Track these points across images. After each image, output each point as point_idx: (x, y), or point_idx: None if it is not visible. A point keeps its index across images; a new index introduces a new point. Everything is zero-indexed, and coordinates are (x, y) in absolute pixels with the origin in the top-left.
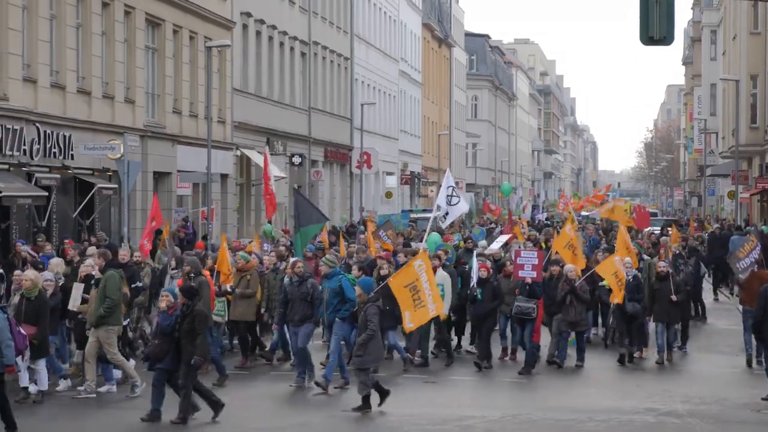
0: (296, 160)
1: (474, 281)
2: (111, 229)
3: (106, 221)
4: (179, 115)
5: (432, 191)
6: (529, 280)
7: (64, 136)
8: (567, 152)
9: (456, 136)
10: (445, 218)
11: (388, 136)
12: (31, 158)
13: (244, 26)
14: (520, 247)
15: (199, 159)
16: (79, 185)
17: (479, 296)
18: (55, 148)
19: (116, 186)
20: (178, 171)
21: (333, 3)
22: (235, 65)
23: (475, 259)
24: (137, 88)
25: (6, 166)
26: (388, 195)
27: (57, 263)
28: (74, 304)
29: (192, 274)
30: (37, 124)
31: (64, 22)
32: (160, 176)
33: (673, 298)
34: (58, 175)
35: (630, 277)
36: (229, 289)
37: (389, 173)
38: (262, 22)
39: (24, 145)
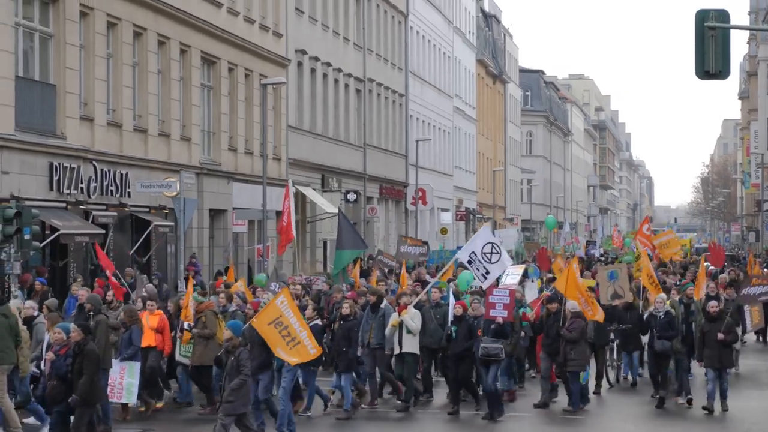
0: (351, 196)
1: (450, 319)
2: (167, 267)
3: (162, 259)
4: (235, 152)
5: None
6: (500, 320)
7: (121, 174)
8: (623, 187)
9: (511, 172)
10: (485, 277)
11: (442, 173)
12: (89, 196)
13: (299, 63)
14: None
15: (255, 196)
16: (136, 223)
17: (453, 334)
18: (111, 185)
19: (172, 223)
20: (234, 208)
21: (387, 40)
22: (290, 102)
23: (451, 296)
24: (193, 125)
25: (63, 204)
26: (443, 231)
27: (15, 304)
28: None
29: (91, 312)
30: (94, 162)
31: (120, 61)
32: (215, 213)
33: (720, 336)
34: (115, 213)
35: (661, 313)
36: (186, 327)
37: (444, 209)
38: (316, 59)
39: (81, 183)
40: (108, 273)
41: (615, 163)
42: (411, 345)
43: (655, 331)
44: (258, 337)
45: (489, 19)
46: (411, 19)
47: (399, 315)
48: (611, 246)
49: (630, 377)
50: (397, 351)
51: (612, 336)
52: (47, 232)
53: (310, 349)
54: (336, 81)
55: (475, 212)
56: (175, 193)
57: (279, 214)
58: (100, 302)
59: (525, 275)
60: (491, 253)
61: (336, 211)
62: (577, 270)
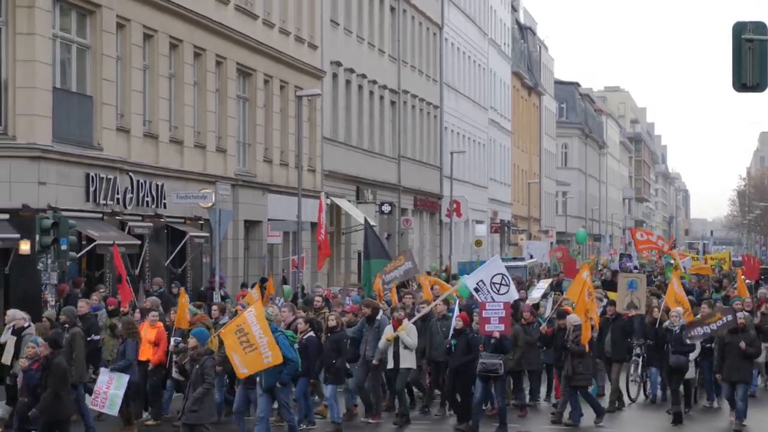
0: (386, 208)
1: (451, 332)
2: (202, 278)
3: (197, 269)
4: (270, 163)
5: (522, 239)
6: (496, 335)
7: (157, 185)
8: (658, 200)
9: (546, 185)
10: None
11: (477, 185)
12: (125, 207)
13: (334, 75)
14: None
15: (290, 207)
16: (171, 234)
17: (453, 348)
18: (147, 197)
19: (208, 234)
20: (269, 219)
21: (422, 52)
22: (325, 114)
23: (456, 309)
24: (229, 137)
25: (100, 215)
26: (478, 243)
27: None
28: (7, 357)
29: (66, 325)
30: (130, 174)
31: (156, 73)
32: (250, 225)
33: (742, 345)
34: (151, 224)
35: (677, 327)
36: (173, 342)
37: (479, 222)
38: (351, 71)
39: (117, 194)
40: (123, 278)
41: (651, 176)
42: (408, 360)
43: (669, 346)
44: None
45: (524, 31)
46: (446, 30)
47: (394, 330)
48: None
49: (659, 393)
50: (390, 365)
51: (638, 351)
52: (84, 242)
53: (265, 357)
54: (371, 93)
55: (509, 224)
56: (210, 204)
57: (314, 225)
58: (75, 315)
59: (558, 288)
60: (500, 284)
61: (371, 222)
62: (588, 278)
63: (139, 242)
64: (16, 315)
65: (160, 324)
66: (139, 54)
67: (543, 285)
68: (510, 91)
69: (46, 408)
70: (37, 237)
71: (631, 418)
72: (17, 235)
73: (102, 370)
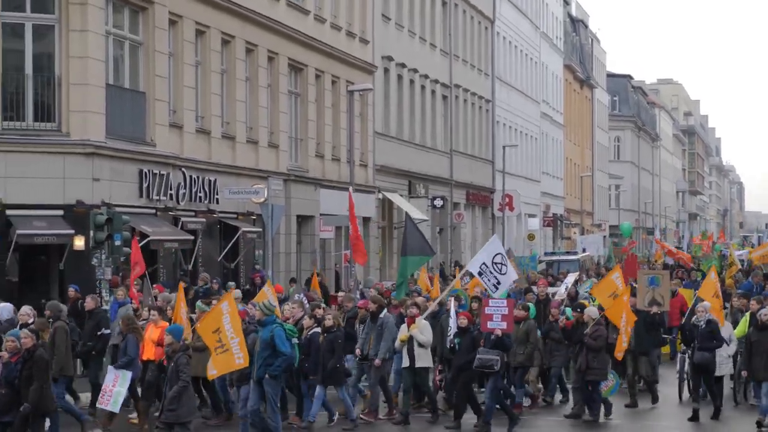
0: (438, 202)
1: (453, 330)
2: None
3: (250, 265)
4: (322, 158)
5: (575, 233)
6: (498, 332)
7: (209, 181)
8: (712, 193)
9: (599, 178)
10: (497, 288)
11: (530, 178)
12: (177, 203)
13: (386, 70)
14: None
15: (342, 202)
16: (224, 229)
17: (457, 346)
18: (200, 192)
19: (260, 230)
20: (321, 214)
21: (474, 46)
22: (376, 109)
23: (453, 307)
24: (280, 132)
25: (153, 211)
26: (531, 237)
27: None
28: None
29: (51, 319)
30: (183, 169)
31: (209, 68)
32: (303, 220)
33: None
34: (204, 219)
35: (702, 323)
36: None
37: (531, 215)
38: (403, 65)
39: (170, 189)
40: (133, 274)
41: (704, 169)
42: (424, 359)
43: (696, 342)
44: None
45: (576, 24)
46: (497, 24)
47: (408, 328)
48: (700, 252)
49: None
50: (406, 364)
51: (683, 348)
52: (137, 238)
53: (237, 358)
54: (422, 87)
55: (562, 218)
56: (262, 200)
57: (366, 220)
58: (60, 309)
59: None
60: (501, 264)
61: (423, 217)
62: (620, 278)
63: (192, 238)
64: (23, 310)
65: (165, 324)
66: (191, 50)
67: (570, 280)
68: (562, 85)
69: (35, 401)
70: (91, 233)
71: (651, 414)
72: (71, 231)
73: (109, 368)
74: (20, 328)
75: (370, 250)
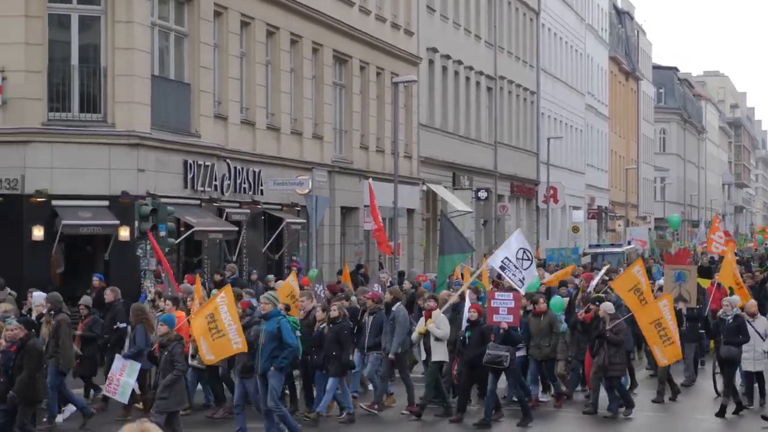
0: (482, 194)
1: (464, 323)
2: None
3: (299, 256)
4: (366, 150)
5: (619, 225)
6: (504, 325)
7: (254, 172)
8: (759, 186)
9: (644, 170)
10: (522, 283)
11: (574, 170)
12: (222, 194)
13: (431, 61)
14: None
15: (386, 194)
16: (268, 220)
17: (467, 340)
18: (245, 183)
19: (304, 221)
20: (365, 206)
21: (519, 37)
22: (421, 100)
23: (468, 300)
24: (325, 123)
25: (198, 202)
26: (575, 229)
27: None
28: None
29: (52, 312)
30: (228, 160)
31: (253, 60)
32: (347, 211)
33: None
34: (248, 210)
35: (730, 317)
36: None
37: (576, 207)
38: (448, 57)
39: (215, 180)
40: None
41: (751, 161)
42: (439, 353)
43: (722, 336)
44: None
45: (622, 16)
46: (543, 16)
47: (425, 322)
48: (744, 244)
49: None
50: (423, 357)
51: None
52: (182, 229)
53: (234, 343)
54: (467, 79)
55: (607, 210)
56: (307, 191)
57: (410, 212)
58: (60, 301)
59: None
60: (523, 259)
61: (467, 209)
62: (641, 272)
63: (236, 229)
64: (38, 300)
65: (182, 314)
66: (236, 41)
67: (602, 273)
68: (607, 77)
69: (21, 390)
70: (136, 223)
71: (674, 409)
72: (117, 222)
73: (117, 357)
74: (36, 319)
75: (414, 242)
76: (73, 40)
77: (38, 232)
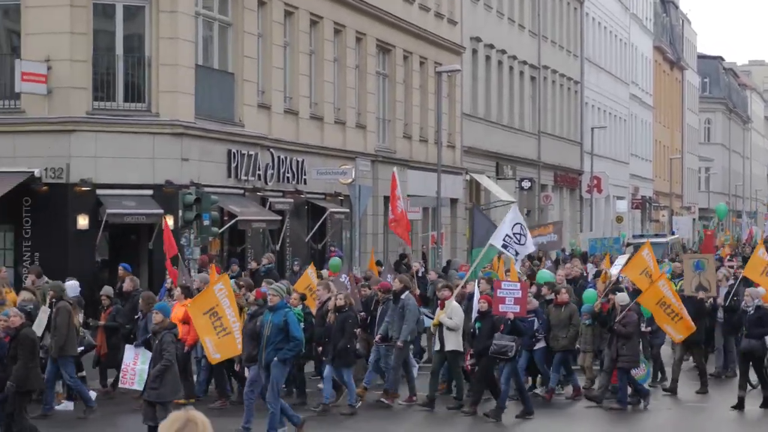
0: (525, 184)
1: (474, 314)
2: (351, 255)
3: (337, 245)
4: (409, 139)
5: (663, 216)
6: (510, 315)
7: (297, 161)
8: None
9: (688, 160)
10: (516, 258)
11: (618, 160)
12: (265, 183)
13: (474, 51)
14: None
15: (429, 183)
16: (312, 209)
17: (477, 331)
18: (288, 172)
19: (347, 210)
20: (408, 195)
21: (563, 27)
22: (464, 90)
23: (477, 290)
24: (368, 113)
25: (241, 191)
26: (619, 220)
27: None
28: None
29: (53, 300)
30: (271, 150)
31: (297, 49)
32: (390, 201)
33: None
34: (291, 200)
35: (751, 309)
36: None
37: (620, 197)
38: (491, 46)
39: (258, 170)
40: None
41: None
42: (453, 343)
43: (744, 328)
44: (249, 330)
45: (667, 5)
46: (587, 5)
47: (438, 311)
48: None
49: None
50: (437, 347)
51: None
52: (225, 218)
53: (238, 343)
54: (511, 68)
55: (651, 200)
56: (350, 180)
57: (453, 201)
58: (62, 289)
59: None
60: (520, 234)
61: (510, 198)
62: (650, 255)
63: (279, 218)
64: (70, 289)
65: (189, 301)
66: (279, 31)
67: (622, 261)
68: (652, 66)
69: (18, 379)
70: (180, 212)
71: (693, 400)
72: (161, 211)
73: (128, 347)
74: (49, 305)
75: (457, 232)
76: (118, 29)
77: (83, 221)
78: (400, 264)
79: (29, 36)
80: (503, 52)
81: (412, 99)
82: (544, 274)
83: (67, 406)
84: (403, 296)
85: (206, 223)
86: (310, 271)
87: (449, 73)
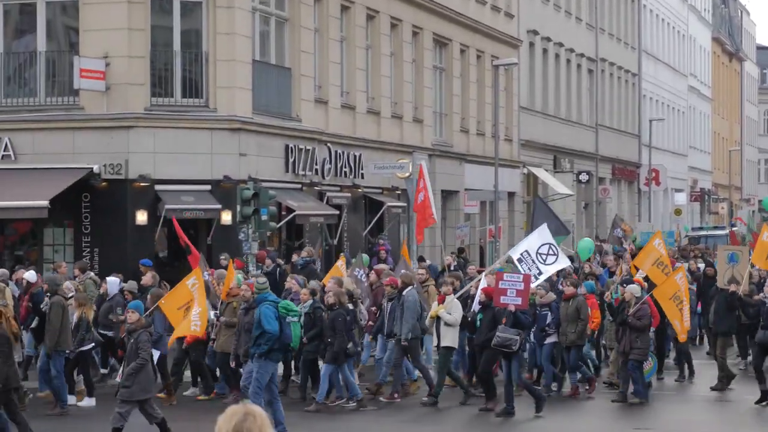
0: (583, 177)
1: (475, 306)
2: (398, 248)
3: (395, 239)
4: (466, 133)
5: (722, 208)
6: (512, 308)
7: (354, 156)
8: None
9: (747, 152)
10: (537, 278)
11: (676, 153)
12: (323, 177)
13: (531, 44)
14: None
15: (486, 177)
16: (369, 204)
17: (477, 323)
18: (345, 167)
19: (405, 204)
20: (466, 189)
21: (620, 19)
22: (521, 83)
23: (483, 283)
24: (425, 107)
25: (299, 186)
26: (678, 212)
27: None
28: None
29: (48, 294)
30: (328, 144)
31: (354, 44)
32: (447, 194)
33: None
34: (349, 194)
35: (767, 298)
36: (212, 316)
37: (678, 190)
38: (548, 39)
39: (316, 164)
40: (191, 248)
41: None
42: (449, 338)
43: (761, 320)
44: (246, 324)
45: None
46: None
47: (438, 305)
48: None
49: None
50: (435, 343)
51: None
52: (283, 212)
53: (193, 325)
54: (568, 61)
55: (710, 193)
56: (407, 175)
57: (511, 195)
58: (57, 284)
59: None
60: (547, 254)
61: (568, 192)
62: (661, 244)
63: (337, 212)
64: (66, 285)
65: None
66: (336, 26)
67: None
68: (710, 58)
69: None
70: (238, 207)
71: (713, 396)
72: (219, 206)
73: None
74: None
75: (515, 225)
76: (175, 25)
77: (141, 217)
78: (459, 258)
79: (87, 33)
80: (560, 44)
81: (469, 93)
82: (586, 242)
83: (89, 402)
84: (404, 292)
85: (264, 217)
86: (340, 263)
87: (506, 67)
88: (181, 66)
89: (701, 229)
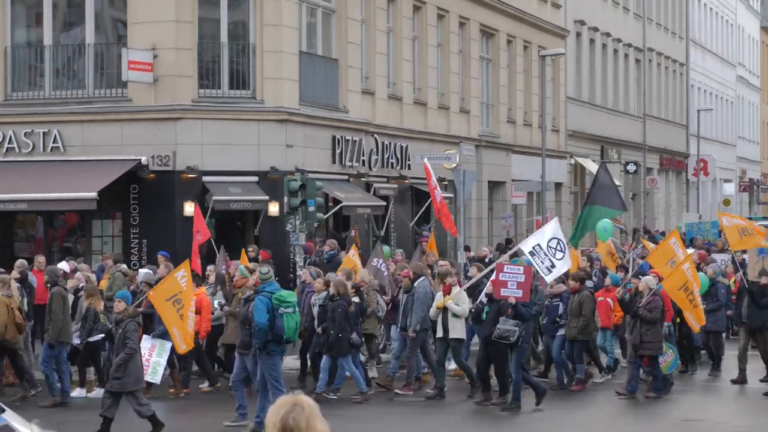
0: (631, 168)
1: (483, 298)
2: (446, 239)
3: (441, 231)
4: (513, 124)
5: None
6: (512, 300)
7: (401, 147)
8: None
9: None
10: (550, 271)
11: (725, 143)
12: (370, 168)
13: (578, 34)
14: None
15: (533, 168)
16: (416, 195)
17: (484, 315)
18: (392, 158)
19: (452, 195)
20: (513, 180)
21: (668, 8)
22: (568, 73)
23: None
24: (472, 98)
25: (346, 177)
26: (726, 203)
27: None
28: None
29: (48, 284)
30: (375, 135)
31: (400, 35)
32: (494, 185)
33: None
34: (396, 185)
35: None
36: (217, 305)
37: (726, 180)
38: (595, 29)
39: (363, 155)
40: (195, 242)
41: None
42: (458, 330)
43: None
44: (244, 315)
45: None
46: None
47: (444, 297)
48: None
49: None
50: (439, 334)
51: None
52: (330, 204)
53: (190, 326)
54: (615, 51)
55: (759, 183)
56: (454, 165)
57: (558, 185)
58: (57, 275)
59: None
60: (556, 249)
61: (617, 182)
62: (677, 243)
63: (384, 203)
64: (77, 275)
65: (202, 290)
66: (383, 17)
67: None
68: (759, 47)
69: None
70: (285, 199)
71: (730, 391)
72: (266, 197)
73: (144, 337)
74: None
75: (562, 216)
76: (222, 17)
77: (189, 208)
78: (506, 249)
79: (135, 25)
80: (607, 34)
81: (515, 83)
82: (604, 223)
83: (99, 393)
84: (415, 284)
85: (311, 209)
86: (352, 253)
87: (553, 57)
88: (228, 57)
89: (750, 219)
